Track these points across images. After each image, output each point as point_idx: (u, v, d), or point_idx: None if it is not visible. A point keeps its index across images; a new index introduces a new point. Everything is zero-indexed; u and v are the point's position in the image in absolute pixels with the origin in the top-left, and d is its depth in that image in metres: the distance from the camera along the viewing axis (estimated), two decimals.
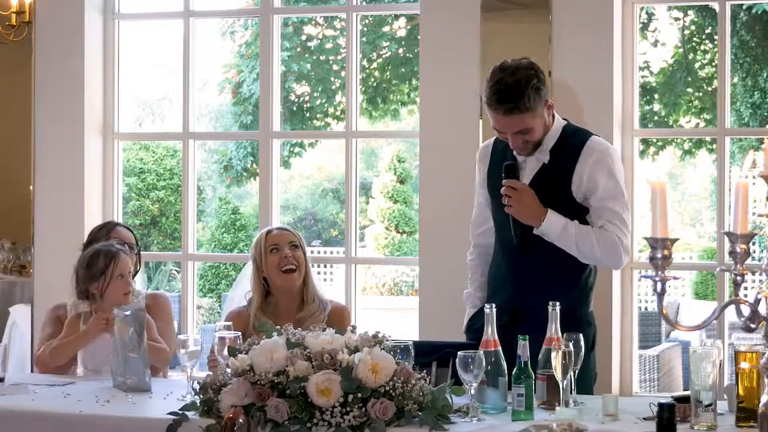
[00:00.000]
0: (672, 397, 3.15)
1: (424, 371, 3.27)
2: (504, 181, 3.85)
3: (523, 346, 3.28)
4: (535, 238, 3.86)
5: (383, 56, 15.06)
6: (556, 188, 3.86)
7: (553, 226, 3.80)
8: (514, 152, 3.92)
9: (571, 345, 3.31)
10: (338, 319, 4.08)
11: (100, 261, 4.17)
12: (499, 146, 4.03)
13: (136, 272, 4.47)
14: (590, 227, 3.85)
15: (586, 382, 3.76)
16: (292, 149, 15.41)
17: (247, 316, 4.18)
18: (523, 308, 3.82)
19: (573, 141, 3.90)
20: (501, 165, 3.94)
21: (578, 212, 3.87)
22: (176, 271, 14.11)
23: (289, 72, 14.64)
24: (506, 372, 3.31)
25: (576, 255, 3.85)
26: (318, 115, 15.60)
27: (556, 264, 3.88)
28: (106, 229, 4.59)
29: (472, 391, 3.19)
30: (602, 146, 3.92)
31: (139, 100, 17.74)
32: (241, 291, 4.38)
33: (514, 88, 3.77)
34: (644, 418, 3.18)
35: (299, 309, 4.18)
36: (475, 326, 3.95)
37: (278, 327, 3.41)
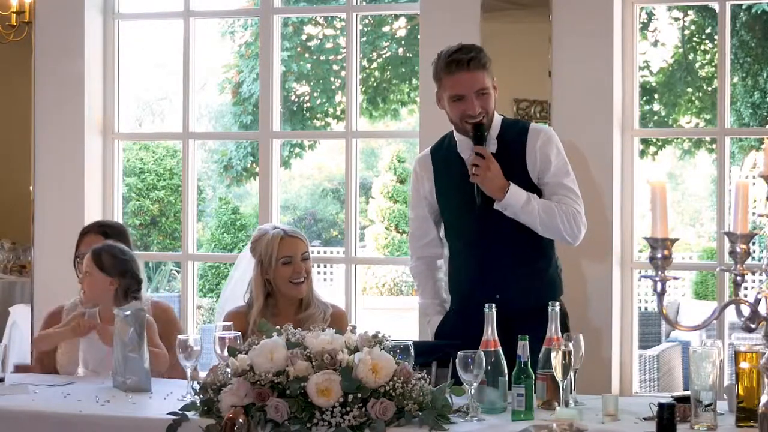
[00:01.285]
0: (672, 397, 3.15)
1: (424, 371, 3.27)
2: (475, 147, 3.90)
3: (523, 346, 3.28)
4: (497, 229, 3.91)
5: (383, 56, 15.07)
6: (513, 173, 3.90)
7: (516, 198, 3.86)
8: (475, 127, 3.93)
9: (571, 345, 3.32)
10: (338, 324, 4.07)
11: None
12: (438, 155, 4.09)
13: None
14: (549, 201, 3.92)
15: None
16: (292, 149, 15.42)
17: (246, 316, 4.15)
18: (499, 301, 3.78)
19: (515, 128, 4.01)
20: (448, 174, 4.02)
21: (536, 193, 3.95)
22: (176, 271, 14.11)
23: (289, 72, 14.65)
24: (506, 372, 3.31)
25: (538, 227, 3.90)
26: (318, 115, 15.61)
27: (522, 248, 3.96)
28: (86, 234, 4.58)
29: (472, 391, 3.19)
30: (545, 128, 4.06)
31: (139, 100, 17.74)
32: (238, 289, 4.35)
33: (470, 46, 3.95)
34: (644, 418, 3.18)
35: (299, 310, 4.17)
36: (446, 331, 4.02)
37: (278, 327, 3.41)
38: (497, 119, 3.99)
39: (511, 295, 3.85)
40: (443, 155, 4.08)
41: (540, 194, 3.95)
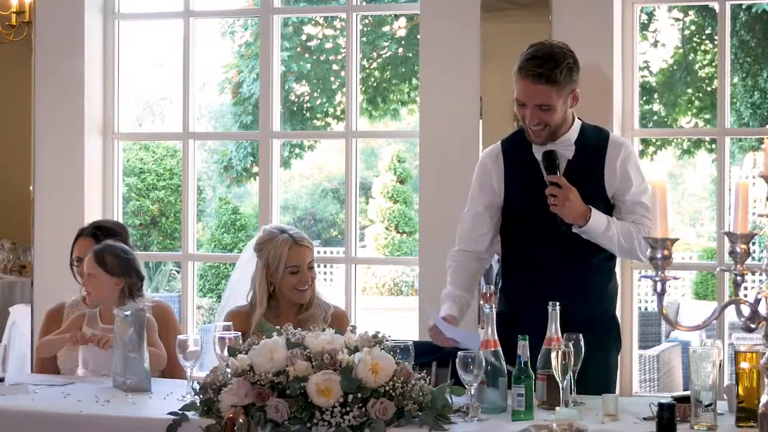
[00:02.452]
0: (672, 397, 3.15)
1: (424, 371, 3.27)
2: (549, 177, 3.78)
3: (523, 346, 3.28)
4: (567, 246, 3.81)
5: (383, 56, 15.07)
6: (589, 183, 3.80)
7: (597, 225, 3.75)
8: (532, 138, 3.84)
9: (570, 345, 3.32)
10: (339, 324, 4.07)
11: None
12: (509, 149, 3.96)
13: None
14: (627, 223, 3.80)
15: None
16: (292, 150, 15.42)
17: (248, 316, 4.15)
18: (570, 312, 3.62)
19: (595, 136, 3.88)
20: (519, 166, 3.88)
21: (607, 207, 3.84)
22: (176, 271, 14.11)
23: (289, 72, 14.65)
24: (506, 372, 3.31)
25: (615, 251, 3.81)
26: (318, 115, 15.61)
27: (586, 259, 3.85)
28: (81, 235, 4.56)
29: (472, 391, 3.19)
30: (625, 142, 3.95)
31: (139, 100, 17.74)
32: (240, 289, 4.35)
33: (549, 56, 3.75)
34: (644, 418, 3.18)
35: (300, 311, 4.17)
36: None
37: (278, 327, 3.41)
38: (577, 124, 3.86)
39: (564, 305, 3.54)
40: (515, 152, 3.93)
41: (610, 205, 3.85)
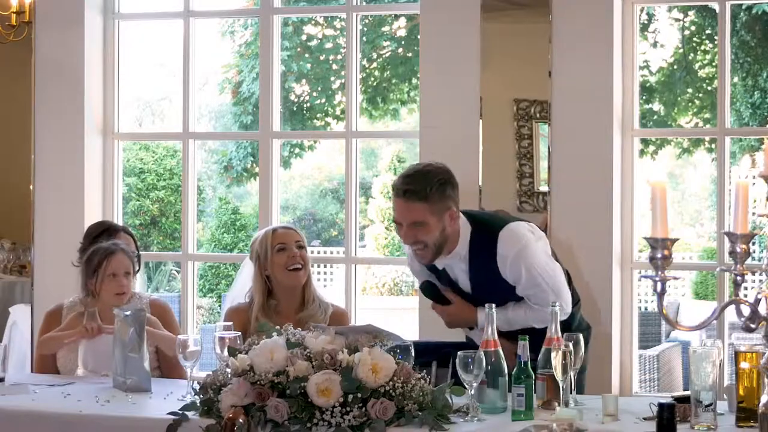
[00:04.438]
0: (672, 397, 3.15)
1: (424, 371, 3.27)
2: (432, 306, 4.01)
3: (523, 346, 3.29)
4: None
5: (383, 56, 15.06)
6: (496, 284, 3.88)
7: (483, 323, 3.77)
8: (417, 259, 3.96)
9: (571, 345, 3.32)
10: (339, 323, 4.07)
11: (96, 258, 4.19)
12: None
13: (135, 272, 4.45)
14: (521, 310, 3.90)
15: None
16: (292, 150, 15.41)
17: (246, 313, 4.18)
18: None
19: (485, 242, 3.88)
20: (431, 267, 4.01)
21: None
22: (176, 271, 14.11)
23: (289, 72, 14.64)
24: (506, 372, 3.32)
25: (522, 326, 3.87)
26: (318, 115, 15.59)
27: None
28: (108, 233, 4.59)
29: (472, 391, 3.20)
30: (512, 250, 3.87)
31: (139, 100, 17.73)
32: (240, 290, 4.37)
33: (419, 175, 3.82)
34: (644, 418, 3.18)
35: (300, 309, 4.18)
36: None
37: (278, 327, 3.41)
38: (464, 234, 3.88)
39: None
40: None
41: None
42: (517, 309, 3.90)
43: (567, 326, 3.84)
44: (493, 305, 3.38)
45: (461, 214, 3.90)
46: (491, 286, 3.86)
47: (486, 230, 3.91)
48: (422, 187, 3.77)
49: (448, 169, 3.88)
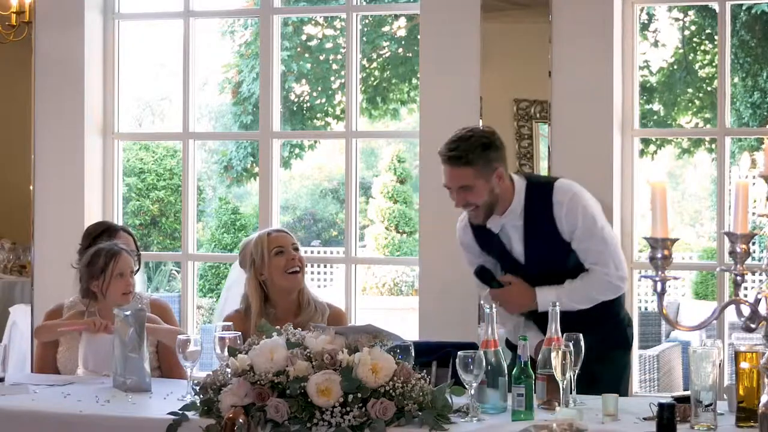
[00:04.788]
0: (672, 397, 3.15)
1: (424, 371, 3.27)
2: (488, 292, 4.00)
3: (523, 346, 3.28)
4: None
5: (383, 56, 15.07)
6: (550, 243, 3.95)
7: (545, 304, 3.83)
8: (470, 219, 4.04)
9: (571, 345, 3.32)
10: (337, 323, 4.07)
11: (100, 259, 4.17)
12: (477, 227, 4.11)
13: (135, 272, 4.46)
14: (579, 279, 3.96)
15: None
16: (292, 150, 15.41)
17: (242, 320, 4.13)
18: None
19: (540, 197, 3.99)
20: (484, 235, 4.06)
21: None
22: (176, 271, 14.11)
23: (289, 72, 14.64)
24: (506, 372, 3.32)
25: (580, 308, 3.93)
26: (318, 115, 15.60)
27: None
28: (108, 233, 4.59)
29: (472, 391, 3.20)
30: (568, 194, 3.98)
31: (139, 100, 17.72)
32: (232, 303, 4.35)
33: (461, 141, 3.94)
34: (644, 418, 3.18)
35: (297, 314, 4.16)
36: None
37: (278, 327, 3.41)
38: (519, 189, 3.99)
39: (570, 318, 3.77)
40: (481, 227, 4.09)
41: None
42: (574, 280, 3.95)
43: (611, 312, 3.99)
44: (494, 306, 3.37)
45: (515, 175, 4.04)
46: (545, 247, 3.94)
47: (541, 182, 4.08)
48: (464, 153, 3.90)
49: (493, 131, 4.01)
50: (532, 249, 3.97)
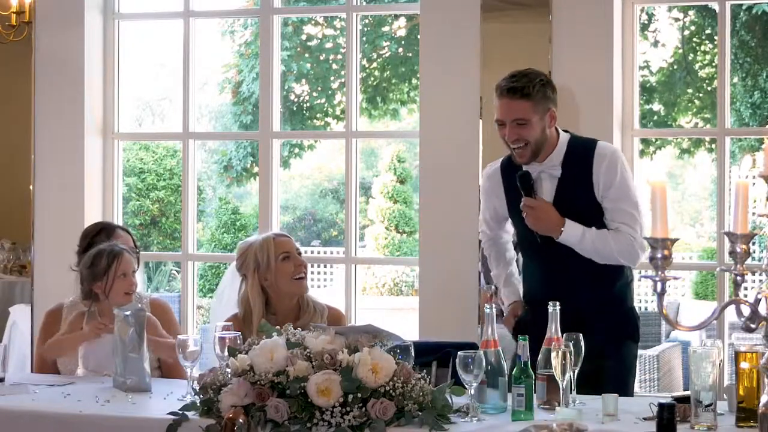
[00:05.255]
0: (672, 397, 3.15)
1: (424, 371, 3.27)
2: (524, 199, 4.00)
3: (523, 346, 3.28)
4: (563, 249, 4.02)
5: (383, 56, 15.07)
6: (581, 198, 3.99)
7: (572, 236, 3.96)
8: (516, 159, 4.04)
9: (571, 345, 3.32)
10: (336, 324, 4.06)
11: (102, 260, 4.16)
12: (508, 171, 4.12)
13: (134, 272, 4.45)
14: (606, 231, 3.99)
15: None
16: (292, 150, 15.42)
17: (241, 325, 4.09)
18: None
19: (582, 150, 4.04)
20: (517, 193, 4.05)
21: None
22: (176, 271, 14.11)
23: (289, 72, 14.64)
24: (506, 372, 3.32)
25: (595, 258, 4.00)
26: (318, 115, 15.60)
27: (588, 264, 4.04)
28: (106, 233, 4.58)
29: (472, 391, 3.19)
30: (610, 150, 4.08)
31: (139, 100, 17.73)
32: (227, 307, 4.32)
33: (523, 74, 3.99)
34: (644, 418, 3.18)
35: (297, 317, 4.14)
36: (526, 319, 4.12)
37: (278, 327, 3.41)
38: (563, 140, 4.04)
39: (579, 305, 3.86)
40: (513, 173, 4.10)
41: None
42: (602, 231, 3.98)
43: (622, 299, 4.03)
44: (494, 306, 3.37)
45: (560, 128, 4.07)
46: (574, 202, 3.97)
47: (584, 138, 4.12)
48: (525, 85, 3.95)
49: (547, 75, 4.10)
50: (560, 203, 4.00)
